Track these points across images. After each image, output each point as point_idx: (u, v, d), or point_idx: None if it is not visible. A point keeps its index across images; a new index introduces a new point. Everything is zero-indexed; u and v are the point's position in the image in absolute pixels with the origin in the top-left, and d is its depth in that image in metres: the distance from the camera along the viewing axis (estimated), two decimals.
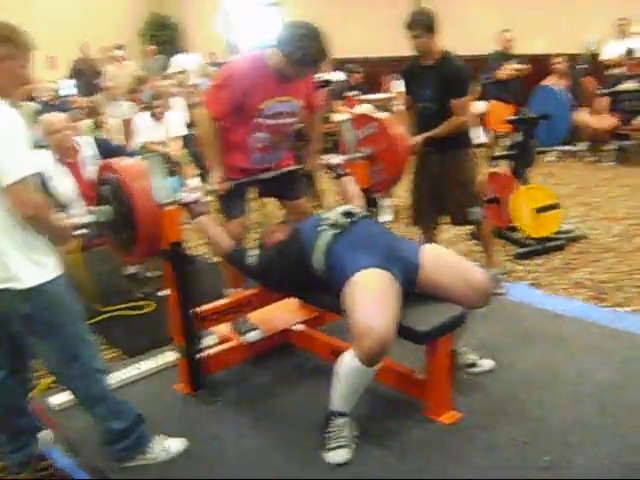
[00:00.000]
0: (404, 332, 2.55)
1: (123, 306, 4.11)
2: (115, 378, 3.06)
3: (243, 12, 13.39)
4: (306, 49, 2.91)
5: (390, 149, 3.61)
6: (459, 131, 3.89)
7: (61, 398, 3.00)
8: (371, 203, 3.51)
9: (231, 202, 3.27)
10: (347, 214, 2.89)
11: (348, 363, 2.47)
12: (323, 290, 2.86)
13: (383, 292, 2.52)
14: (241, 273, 3.20)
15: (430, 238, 4.13)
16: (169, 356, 3.36)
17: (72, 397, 2.62)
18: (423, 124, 3.93)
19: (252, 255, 2.96)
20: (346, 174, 3.41)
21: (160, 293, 4.00)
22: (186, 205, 2.92)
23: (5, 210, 2.14)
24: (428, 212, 4.13)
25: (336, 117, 8.88)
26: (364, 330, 2.39)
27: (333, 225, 2.83)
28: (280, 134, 3.23)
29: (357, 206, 3.09)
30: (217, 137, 3.14)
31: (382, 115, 3.85)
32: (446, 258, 2.82)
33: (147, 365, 3.36)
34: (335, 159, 3.46)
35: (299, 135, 3.55)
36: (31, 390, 2.70)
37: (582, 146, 7.77)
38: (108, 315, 3.99)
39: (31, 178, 2.11)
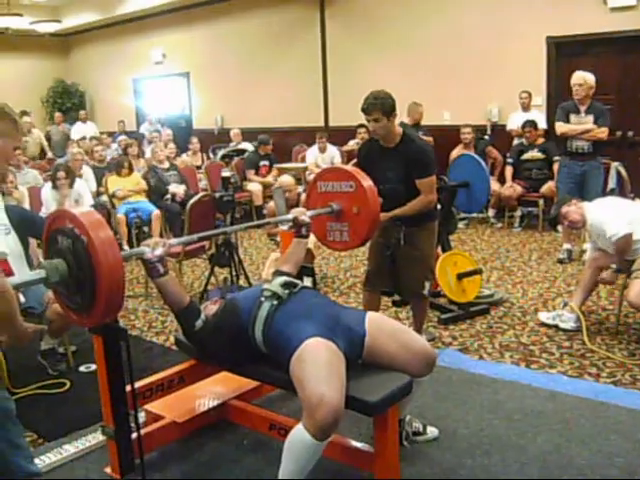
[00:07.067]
0: (353, 403, 2.48)
1: (38, 385, 3.81)
2: None
3: (152, 81, 13.36)
4: None
5: (363, 212, 3.37)
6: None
7: None
8: (308, 273, 3.42)
9: None
10: (287, 285, 2.81)
11: (299, 438, 2.36)
12: (263, 362, 2.75)
13: (331, 362, 2.46)
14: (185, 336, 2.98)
15: (375, 306, 4.07)
16: (93, 438, 3.14)
17: None
18: (389, 205, 3.77)
19: (203, 319, 2.76)
20: (307, 235, 3.26)
21: (82, 368, 3.75)
22: (147, 262, 2.62)
23: None
24: (382, 281, 4.08)
25: (249, 186, 8.94)
26: (317, 401, 2.31)
27: (273, 296, 2.75)
28: None
29: (290, 274, 3.02)
30: None
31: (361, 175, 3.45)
32: (391, 326, 2.79)
33: (70, 448, 3.12)
34: (305, 216, 3.20)
35: None
36: None
37: (490, 213, 8.10)
38: (21, 396, 3.68)
39: None
